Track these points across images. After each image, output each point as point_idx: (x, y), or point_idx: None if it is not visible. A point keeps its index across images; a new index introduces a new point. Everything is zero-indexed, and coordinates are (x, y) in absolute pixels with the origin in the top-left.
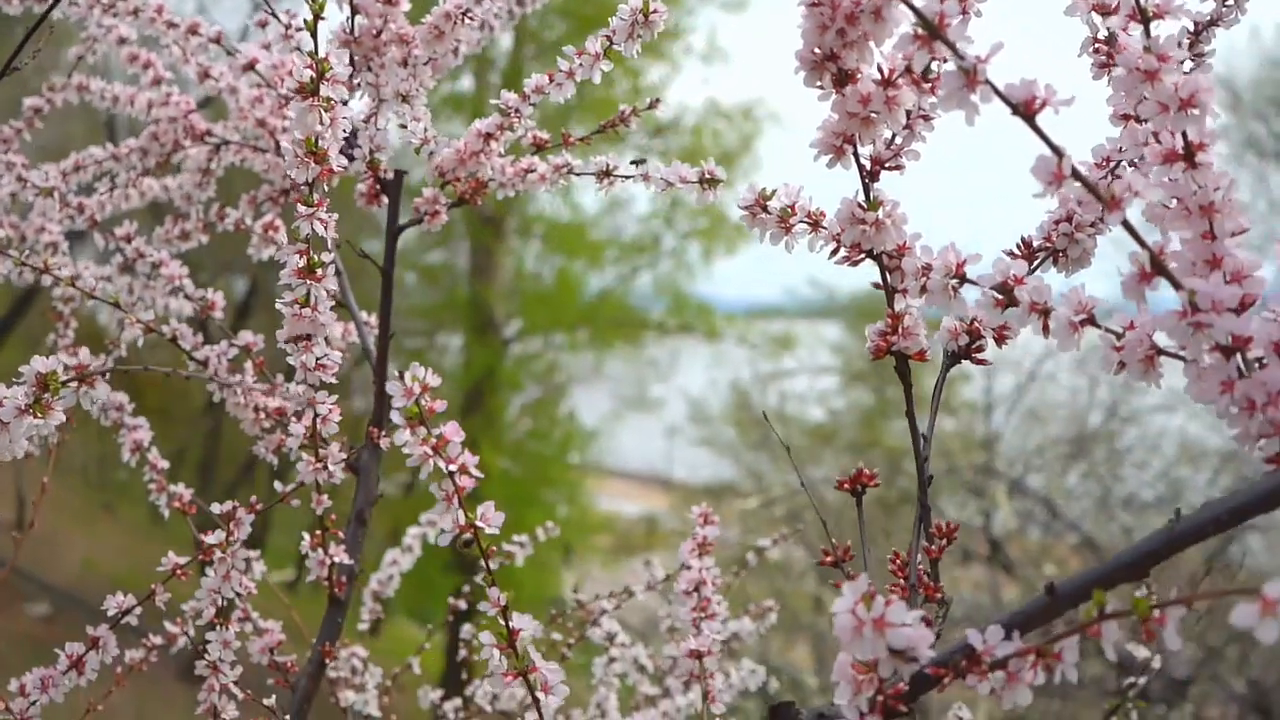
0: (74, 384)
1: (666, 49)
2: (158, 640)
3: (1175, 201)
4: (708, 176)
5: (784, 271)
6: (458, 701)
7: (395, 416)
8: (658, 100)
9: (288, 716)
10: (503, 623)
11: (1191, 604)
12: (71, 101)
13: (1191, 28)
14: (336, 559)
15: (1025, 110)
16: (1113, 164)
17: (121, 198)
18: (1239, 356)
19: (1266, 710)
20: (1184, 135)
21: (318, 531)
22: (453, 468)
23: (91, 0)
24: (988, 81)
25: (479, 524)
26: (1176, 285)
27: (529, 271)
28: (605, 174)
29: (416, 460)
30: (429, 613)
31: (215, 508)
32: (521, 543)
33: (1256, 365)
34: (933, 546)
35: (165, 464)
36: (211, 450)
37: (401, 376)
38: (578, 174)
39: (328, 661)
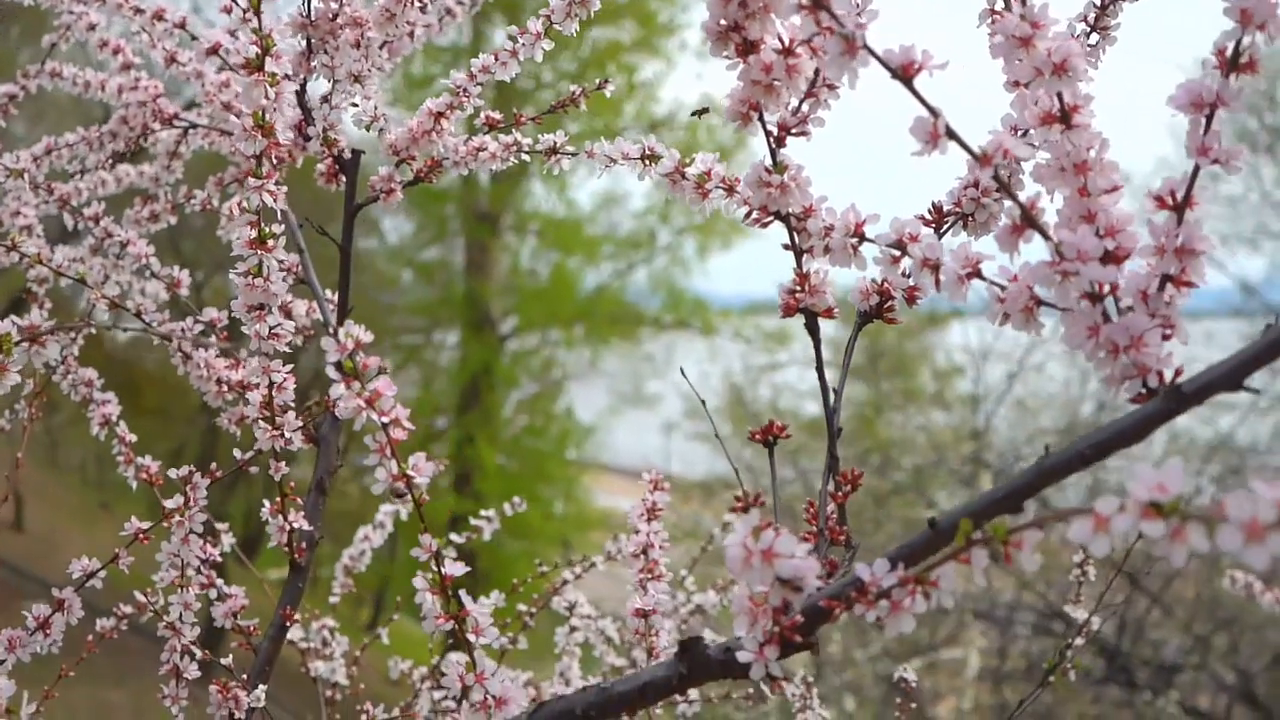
0: (25, 344)
1: (661, 45)
2: (127, 609)
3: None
4: (648, 153)
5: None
6: (423, 670)
7: (331, 371)
8: (606, 81)
9: (245, 675)
10: (435, 568)
11: (1042, 526)
12: (45, 88)
13: (1098, 2)
14: (296, 525)
15: (904, 74)
16: (1019, 132)
17: (96, 182)
18: (1106, 303)
19: (1253, 698)
20: (1059, 97)
21: (277, 499)
22: (386, 420)
23: None
24: (867, 47)
25: (410, 473)
26: (1046, 236)
27: (525, 268)
28: (552, 151)
29: (350, 412)
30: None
31: (172, 473)
32: (489, 517)
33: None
34: (839, 493)
35: (133, 437)
36: (209, 448)
37: (336, 334)
38: (527, 152)
39: (288, 624)
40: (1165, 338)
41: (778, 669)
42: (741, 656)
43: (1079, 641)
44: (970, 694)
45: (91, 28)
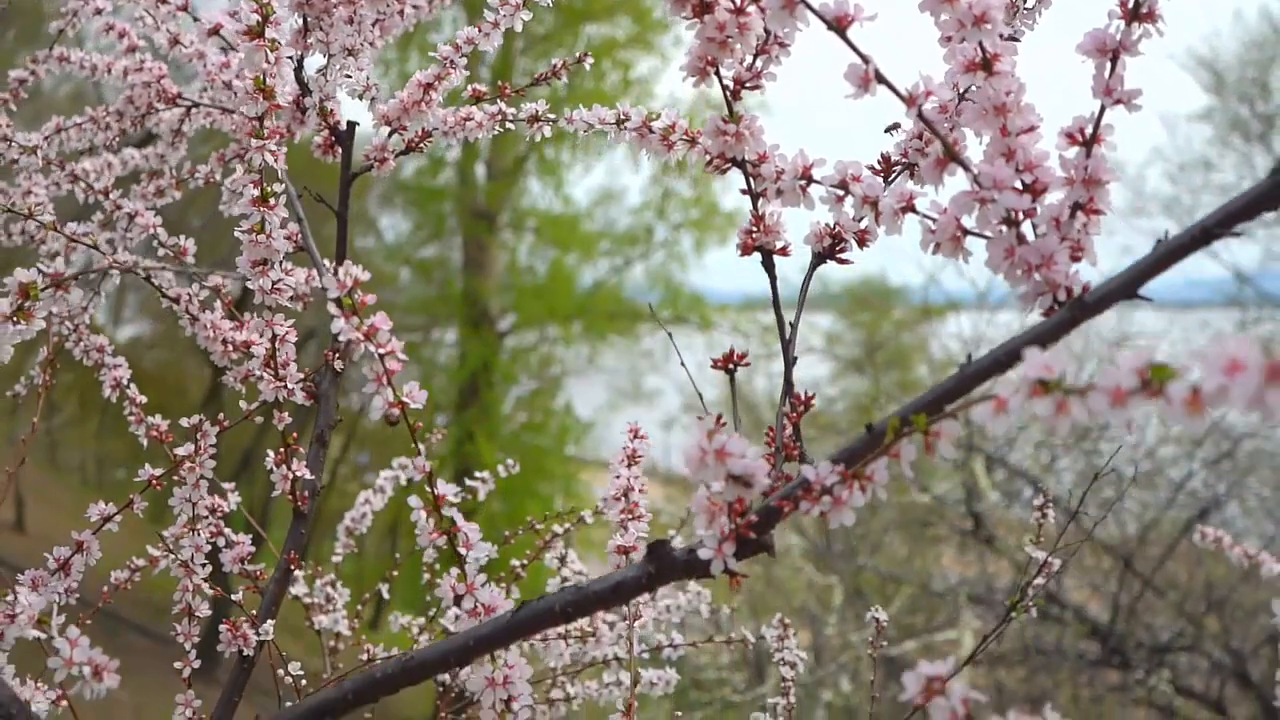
0: (51, 289)
1: (656, 42)
2: (140, 561)
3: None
4: (621, 117)
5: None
6: (422, 620)
7: (332, 307)
8: (586, 54)
9: (254, 612)
10: (429, 489)
11: (956, 416)
12: (54, 72)
13: None
14: (299, 474)
15: (838, 25)
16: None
17: (103, 164)
18: (1023, 229)
19: (1245, 677)
20: (981, 47)
21: (281, 449)
22: (382, 351)
23: None
24: (804, 2)
25: (405, 400)
26: (967, 169)
27: (522, 265)
28: (535, 119)
29: (348, 339)
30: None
31: (184, 421)
32: (484, 479)
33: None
34: (794, 413)
35: (143, 399)
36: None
37: (336, 272)
38: (512, 121)
39: (293, 568)
40: (1075, 259)
41: (735, 564)
42: (702, 554)
43: (1039, 581)
44: (967, 674)
45: (98, 12)
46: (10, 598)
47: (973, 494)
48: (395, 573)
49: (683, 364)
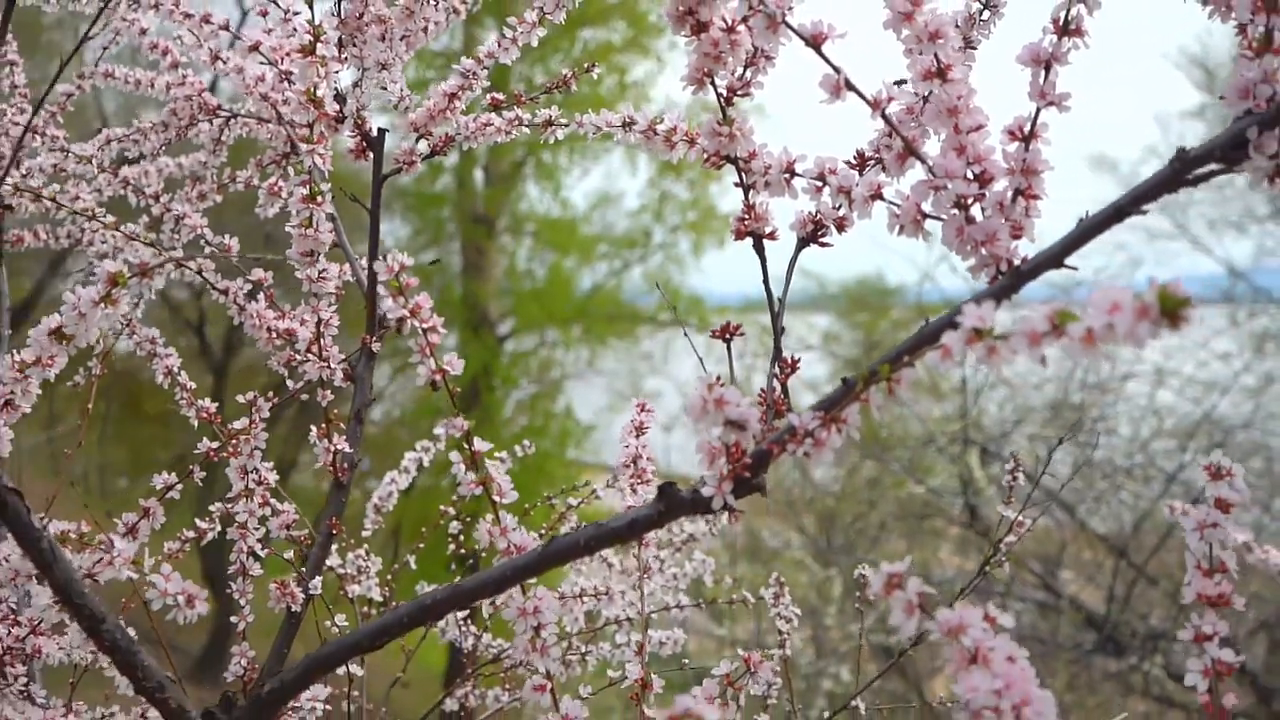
0: (136, 277)
1: (652, 46)
2: (190, 534)
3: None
4: (627, 120)
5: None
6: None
7: (381, 289)
8: (592, 65)
9: (303, 568)
10: (466, 446)
11: (912, 363)
12: (99, 87)
13: None
14: (339, 448)
15: (814, 42)
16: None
17: (143, 171)
18: (973, 212)
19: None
20: (936, 58)
21: (323, 424)
22: (426, 325)
23: None
24: (785, 23)
25: (445, 367)
26: (923, 161)
27: (521, 269)
28: (548, 123)
29: (396, 316)
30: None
31: (239, 398)
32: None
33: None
34: (782, 374)
35: (193, 384)
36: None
37: (385, 257)
38: (527, 126)
39: (334, 533)
40: (1015, 236)
41: (733, 500)
42: (705, 492)
43: (1010, 539)
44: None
45: (143, 32)
46: (105, 544)
47: (969, 487)
48: (398, 568)
49: (698, 356)
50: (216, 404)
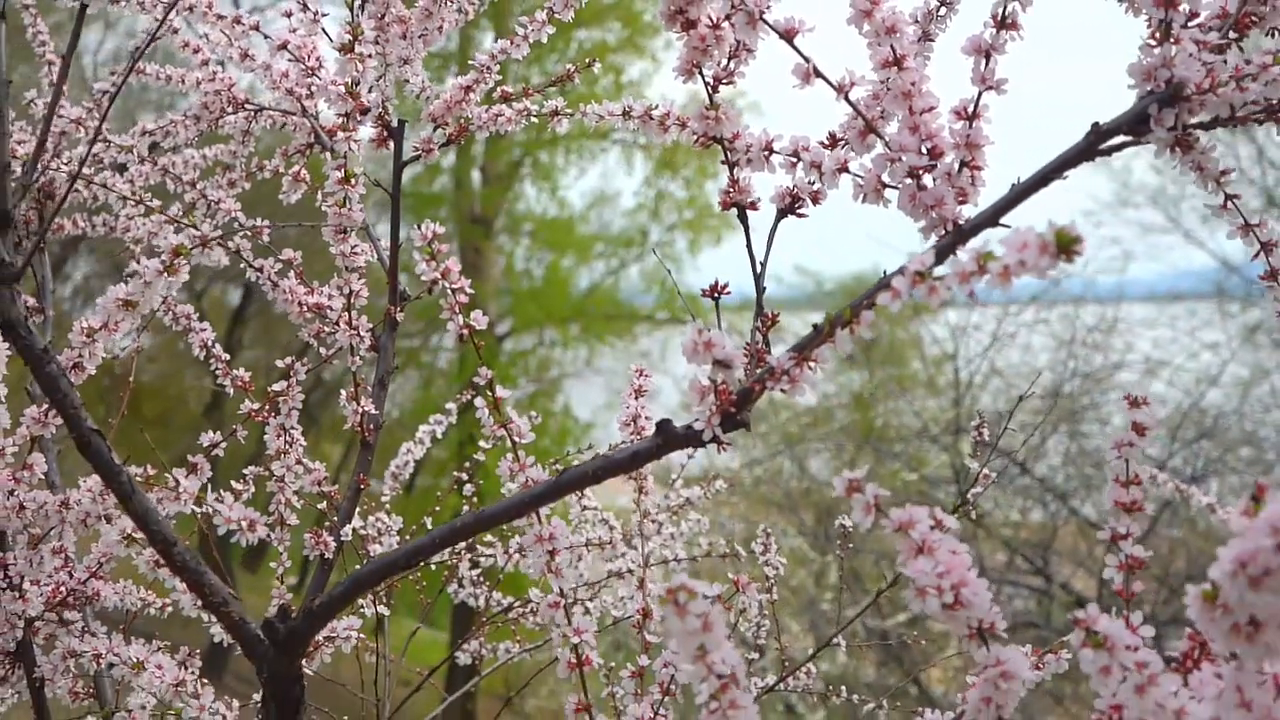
0: (199, 248)
1: (647, 46)
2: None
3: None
4: (626, 110)
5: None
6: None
7: (417, 254)
8: (593, 60)
9: (335, 519)
10: (490, 393)
11: (871, 307)
12: (133, 85)
13: None
14: (366, 409)
15: (787, 35)
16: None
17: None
18: (925, 180)
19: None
20: (893, 49)
21: (352, 388)
22: (455, 286)
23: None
24: (762, 19)
25: (472, 323)
26: (881, 138)
27: (519, 269)
28: (555, 114)
29: (429, 278)
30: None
31: (279, 363)
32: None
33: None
34: (764, 328)
35: (226, 356)
36: (211, 457)
37: (420, 226)
38: (535, 116)
39: (362, 487)
40: (961, 201)
41: (721, 434)
42: (697, 425)
43: (977, 490)
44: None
45: (175, 31)
46: (173, 483)
47: (961, 474)
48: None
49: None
50: (215, 414)
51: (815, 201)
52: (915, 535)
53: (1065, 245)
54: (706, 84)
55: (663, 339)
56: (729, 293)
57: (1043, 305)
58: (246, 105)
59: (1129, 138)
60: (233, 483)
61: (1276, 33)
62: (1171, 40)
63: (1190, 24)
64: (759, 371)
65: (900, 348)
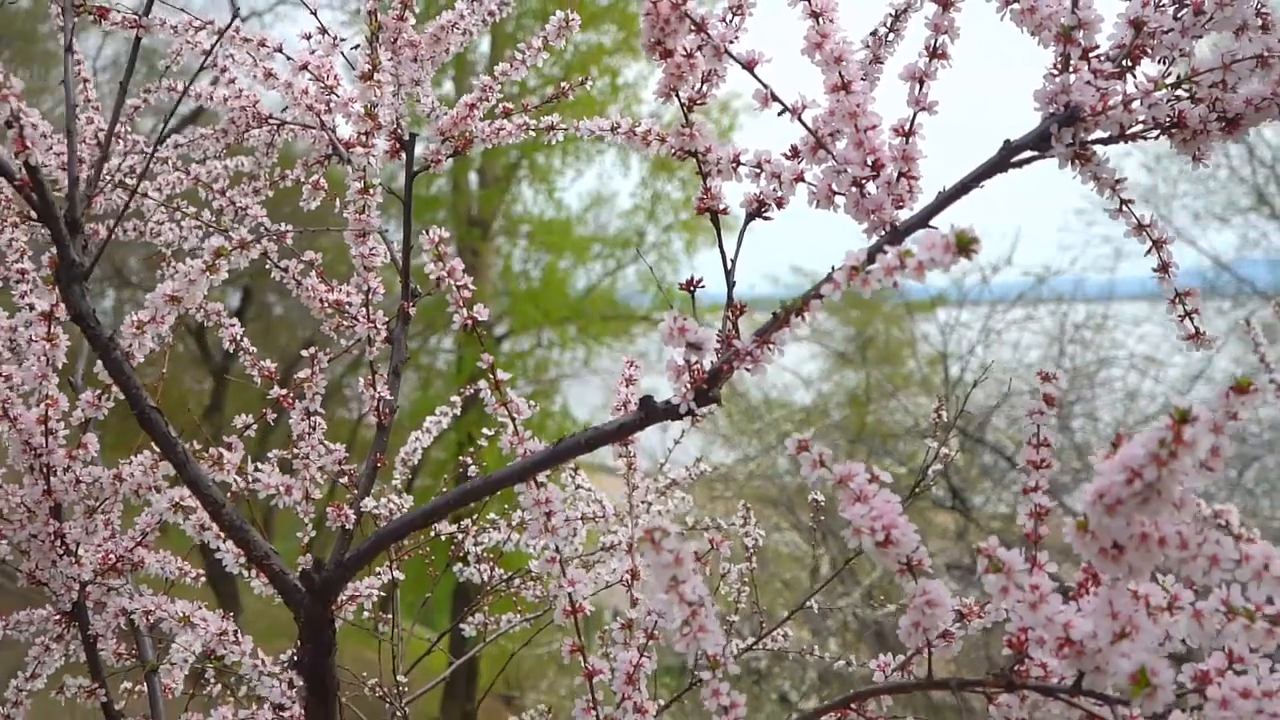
0: (238, 250)
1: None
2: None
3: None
4: (614, 125)
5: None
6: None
7: (424, 254)
8: (586, 78)
9: (356, 494)
10: (492, 375)
11: (820, 296)
12: (164, 100)
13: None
14: (383, 395)
15: (748, 65)
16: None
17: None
18: (868, 188)
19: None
20: (840, 75)
21: (369, 376)
22: (459, 283)
23: (185, 24)
24: (727, 51)
25: (475, 315)
26: (830, 153)
27: (516, 271)
28: (551, 127)
29: (435, 276)
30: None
31: (304, 352)
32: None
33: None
34: (736, 315)
35: (254, 349)
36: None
37: (427, 231)
38: (533, 130)
39: (379, 466)
40: (898, 207)
41: (694, 407)
42: (674, 399)
43: (937, 468)
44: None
45: (205, 53)
46: (216, 454)
47: (949, 467)
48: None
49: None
50: (216, 415)
51: (780, 206)
52: (854, 486)
53: (964, 245)
54: (682, 104)
55: (660, 339)
56: (704, 286)
57: (1028, 303)
58: (270, 120)
59: (1035, 152)
60: (258, 463)
61: (1164, 61)
62: (1070, 70)
63: (1093, 54)
64: (727, 353)
65: (896, 347)
